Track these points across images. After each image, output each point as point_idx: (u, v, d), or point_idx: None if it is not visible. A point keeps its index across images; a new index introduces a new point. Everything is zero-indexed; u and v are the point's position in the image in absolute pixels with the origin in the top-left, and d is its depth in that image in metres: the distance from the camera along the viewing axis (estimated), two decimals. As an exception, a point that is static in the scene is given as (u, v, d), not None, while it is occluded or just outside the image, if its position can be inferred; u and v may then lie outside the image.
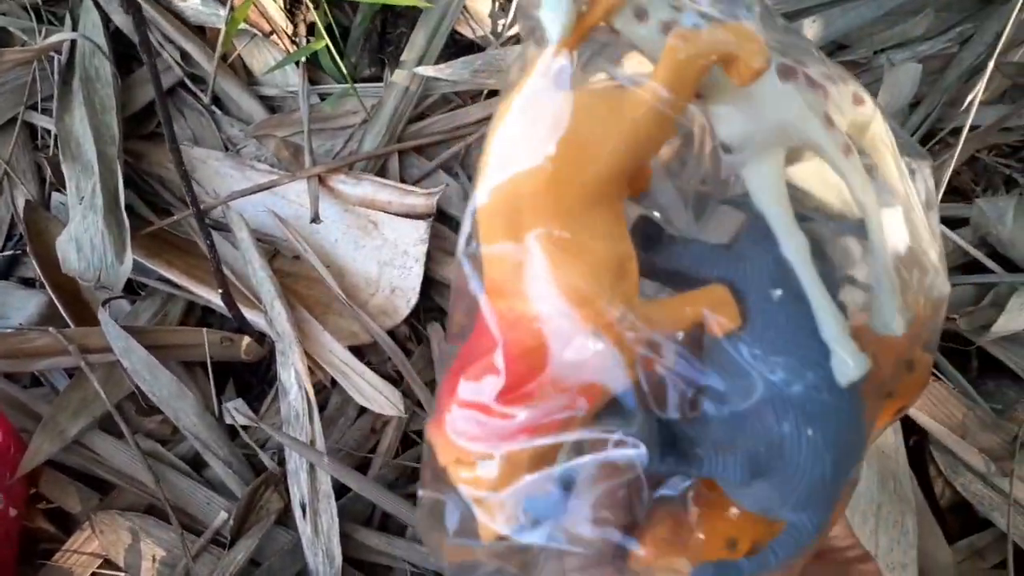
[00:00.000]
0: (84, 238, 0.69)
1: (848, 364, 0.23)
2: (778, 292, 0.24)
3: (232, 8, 0.78)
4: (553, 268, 0.23)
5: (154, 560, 0.59)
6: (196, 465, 0.64)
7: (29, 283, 0.74)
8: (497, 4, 0.83)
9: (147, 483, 0.62)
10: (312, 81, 0.83)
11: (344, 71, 0.82)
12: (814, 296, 0.24)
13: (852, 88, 0.26)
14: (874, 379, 0.25)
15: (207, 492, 0.62)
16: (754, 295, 0.25)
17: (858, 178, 0.25)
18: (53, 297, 0.69)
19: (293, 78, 0.83)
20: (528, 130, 0.23)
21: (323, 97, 0.83)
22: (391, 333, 0.70)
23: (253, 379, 0.72)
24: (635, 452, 0.23)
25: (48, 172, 0.79)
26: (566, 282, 0.23)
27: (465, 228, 0.24)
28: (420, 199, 0.73)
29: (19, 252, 0.75)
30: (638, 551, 0.26)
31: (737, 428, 0.24)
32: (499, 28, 0.83)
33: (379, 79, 0.84)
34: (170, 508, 0.60)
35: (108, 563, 0.60)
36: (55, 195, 0.78)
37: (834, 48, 0.85)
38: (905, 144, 0.28)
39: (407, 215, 0.74)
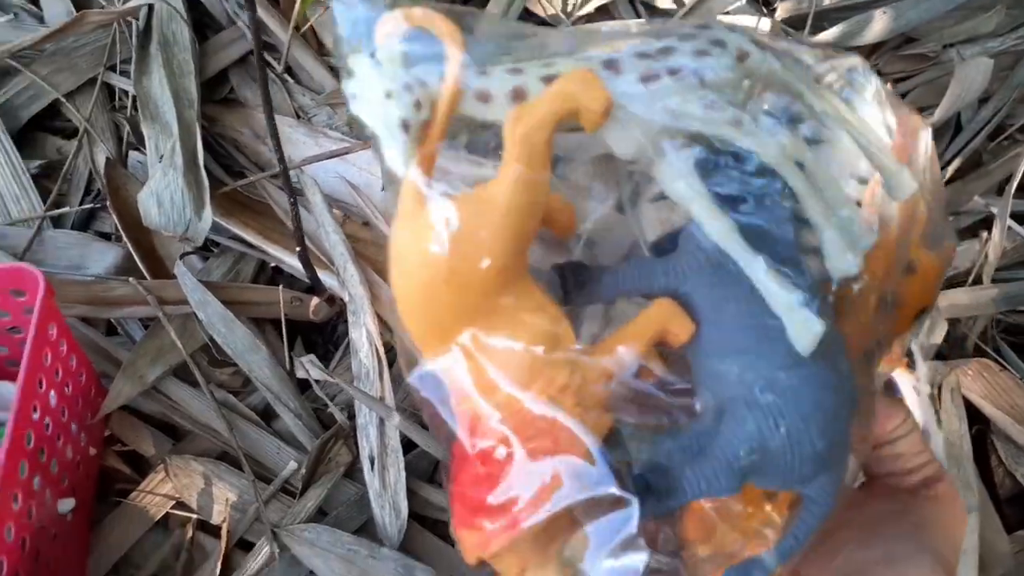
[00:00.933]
0: (165, 194, 0.71)
1: (802, 333, 0.23)
2: (721, 280, 0.24)
3: (312, -22, 0.80)
4: (491, 360, 0.24)
5: (226, 503, 0.61)
6: (267, 417, 0.66)
7: (106, 237, 0.76)
8: (570, -16, 0.84)
9: (220, 431, 0.64)
10: (382, 54, 0.85)
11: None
12: (753, 273, 0.23)
13: (736, 44, 0.25)
14: (861, 304, 0.25)
15: (277, 443, 0.64)
16: (699, 294, 0.25)
17: (755, 143, 0.24)
18: (132, 250, 0.71)
19: (364, 50, 0.85)
20: (417, 249, 0.24)
21: (393, 70, 0.85)
22: (457, 300, 0.71)
23: (319, 339, 0.74)
24: (626, 512, 0.24)
25: (125, 132, 0.81)
26: (508, 368, 0.24)
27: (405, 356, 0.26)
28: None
29: (97, 206, 0.77)
30: (693, 551, 0.26)
31: (713, 438, 0.24)
32: (570, 7, 0.84)
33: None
34: (243, 455, 0.62)
35: (181, 505, 0.62)
36: (132, 154, 0.80)
37: (902, 41, 0.85)
38: (825, 51, 0.27)
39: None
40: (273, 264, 0.74)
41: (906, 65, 0.85)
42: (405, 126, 0.23)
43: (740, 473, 0.24)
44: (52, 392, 0.56)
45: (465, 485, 0.25)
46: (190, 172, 0.72)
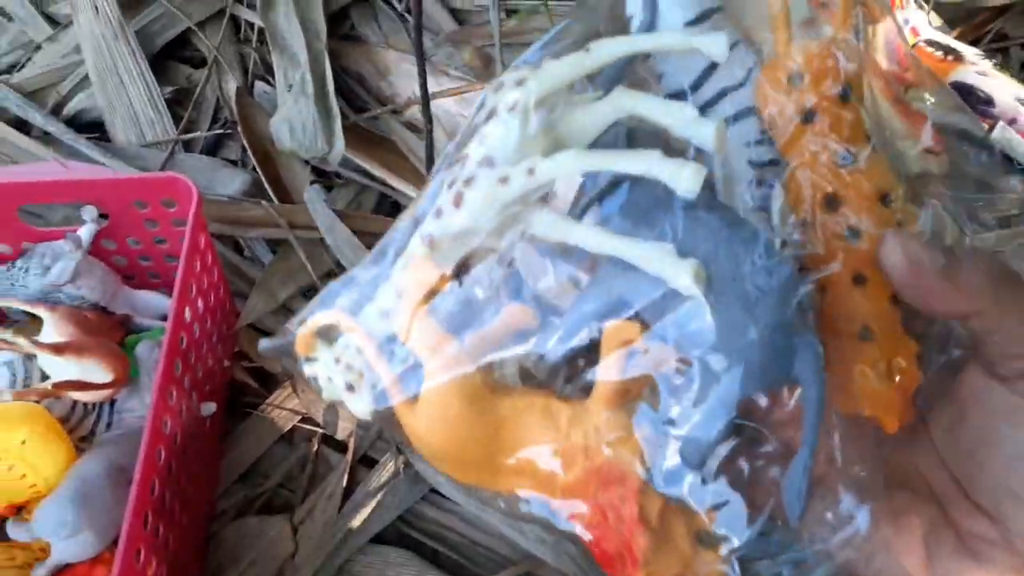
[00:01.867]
0: (296, 120, 0.73)
1: (678, 280, 0.24)
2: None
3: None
4: (536, 465, 0.28)
5: (352, 419, 0.63)
6: (389, 342, 0.68)
7: (233, 163, 0.78)
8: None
9: (347, 351, 0.66)
10: (501, -3, 0.85)
11: (538, -12, 0.83)
12: (633, 259, 0.25)
13: (494, 102, 0.27)
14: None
15: (400, 367, 0.66)
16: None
17: (553, 169, 0.26)
18: (261, 175, 0.73)
19: (483, -8, 0.85)
20: (426, 444, 0.29)
21: (510, 13, 0.85)
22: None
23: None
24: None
25: (251, 63, 0.83)
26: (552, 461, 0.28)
27: None
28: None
29: (227, 132, 0.79)
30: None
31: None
32: None
33: None
34: (369, 376, 0.64)
35: (307, 420, 0.64)
36: (258, 84, 0.82)
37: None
38: None
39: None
40: (392, 199, 0.76)
41: (1040, 29, 0.82)
42: (350, 387, 0.29)
43: (734, 395, 0.24)
44: (200, 299, 0.58)
45: (600, 558, 0.28)
46: (320, 101, 0.74)
